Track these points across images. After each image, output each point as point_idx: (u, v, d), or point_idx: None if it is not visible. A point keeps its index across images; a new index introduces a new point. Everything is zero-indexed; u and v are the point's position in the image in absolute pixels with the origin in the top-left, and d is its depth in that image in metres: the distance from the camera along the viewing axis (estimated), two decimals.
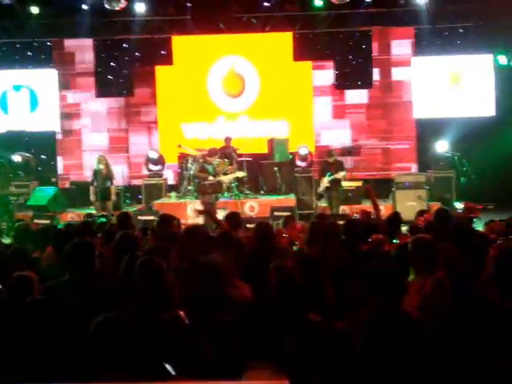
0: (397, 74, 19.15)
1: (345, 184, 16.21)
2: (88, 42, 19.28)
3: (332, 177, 15.25)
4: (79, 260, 5.76)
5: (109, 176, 15.41)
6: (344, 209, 15.58)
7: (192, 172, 16.18)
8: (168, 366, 4.08)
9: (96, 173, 15.35)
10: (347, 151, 18.19)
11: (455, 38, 18.45)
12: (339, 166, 15.53)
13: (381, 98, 19.17)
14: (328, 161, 15.59)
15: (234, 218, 8.36)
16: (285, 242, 8.25)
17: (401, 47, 19.05)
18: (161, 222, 8.32)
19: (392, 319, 4.60)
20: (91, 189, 15.34)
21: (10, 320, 4.84)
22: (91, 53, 19.38)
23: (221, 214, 14.56)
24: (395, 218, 8.60)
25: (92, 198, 15.33)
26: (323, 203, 16.09)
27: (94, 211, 15.48)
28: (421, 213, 9.72)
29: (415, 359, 4.32)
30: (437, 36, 18.36)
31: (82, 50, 19.39)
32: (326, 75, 19.21)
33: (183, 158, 17.49)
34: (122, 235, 6.81)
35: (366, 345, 4.44)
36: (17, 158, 17.55)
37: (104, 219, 14.64)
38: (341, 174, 15.45)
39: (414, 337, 4.48)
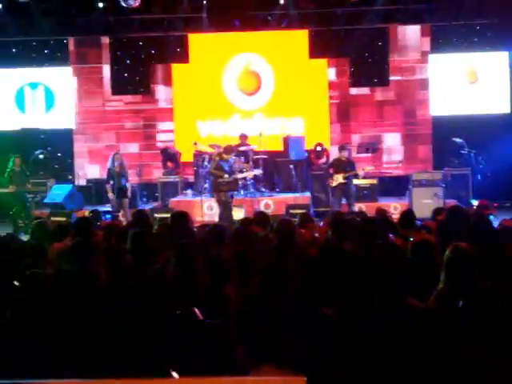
0: (413, 71, 19.08)
1: (360, 181, 16.20)
2: (104, 40, 19.33)
3: (351, 172, 15.23)
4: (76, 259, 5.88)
5: (123, 174, 15.48)
6: (360, 206, 15.56)
7: (208, 169, 16.19)
8: (174, 373, 4.09)
9: (111, 171, 15.44)
10: (364, 149, 18.12)
11: (472, 35, 18.39)
12: (352, 166, 15.48)
13: (396, 95, 19.11)
14: (340, 159, 15.55)
15: (261, 217, 8.48)
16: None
17: (417, 44, 18.98)
18: (175, 219, 8.31)
19: (401, 313, 4.60)
20: (108, 187, 15.40)
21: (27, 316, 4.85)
22: (107, 51, 19.42)
23: (237, 212, 14.62)
24: (409, 216, 8.54)
25: (110, 195, 15.38)
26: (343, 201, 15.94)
27: (110, 209, 15.58)
28: (438, 212, 9.63)
29: (426, 352, 4.32)
30: (453, 33, 18.28)
31: (98, 47, 19.44)
32: None
33: (199, 155, 17.51)
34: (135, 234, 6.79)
35: (375, 339, 4.45)
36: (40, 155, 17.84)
37: (110, 215, 14.77)
38: (363, 170, 15.53)
39: (425, 330, 4.48)
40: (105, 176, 15.97)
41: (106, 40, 19.36)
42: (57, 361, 4.44)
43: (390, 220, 9.08)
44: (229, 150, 14.85)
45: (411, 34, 19.00)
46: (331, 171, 15.54)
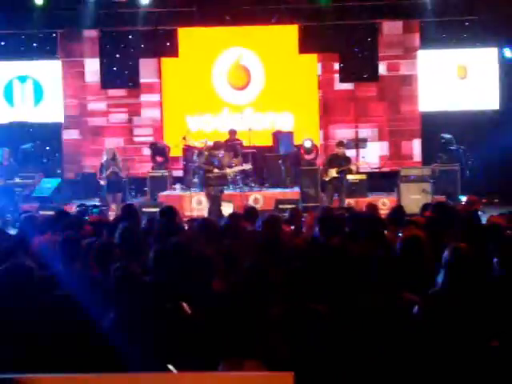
0: (402, 67, 19.09)
1: (349, 177, 16.19)
2: (93, 34, 19.26)
3: (345, 167, 15.28)
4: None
5: (116, 168, 15.56)
6: (349, 202, 15.55)
7: (197, 164, 16.19)
8: (171, 367, 4.09)
9: (104, 165, 15.50)
10: (354, 144, 18.14)
11: (461, 31, 18.40)
12: (347, 162, 15.56)
13: (386, 91, 19.12)
14: (337, 154, 15.58)
15: (251, 212, 8.48)
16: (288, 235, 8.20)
17: (406, 40, 18.98)
18: (165, 213, 8.32)
19: (391, 306, 4.60)
20: (101, 180, 15.48)
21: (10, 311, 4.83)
22: (96, 44, 19.35)
23: (226, 207, 14.60)
24: (399, 211, 8.55)
25: (105, 189, 15.48)
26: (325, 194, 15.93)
27: (98, 203, 15.56)
28: (425, 208, 9.65)
29: (416, 346, 4.33)
30: (442, 29, 18.30)
31: (87, 41, 19.38)
32: None
33: (188, 150, 17.50)
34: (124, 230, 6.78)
35: (368, 332, 4.45)
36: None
37: (96, 210, 14.75)
38: (357, 164, 15.51)
39: (416, 324, 4.49)
40: (93, 170, 15.97)
41: (94, 34, 19.28)
42: (44, 359, 4.43)
43: (379, 215, 9.09)
44: (218, 145, 14.85)
45: (400, 29, 19.00)
46: (326, 166, 15.58)
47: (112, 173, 15.41)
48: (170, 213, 8.24)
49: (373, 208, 9.44)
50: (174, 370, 4.04)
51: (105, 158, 15.68)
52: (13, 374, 3.11)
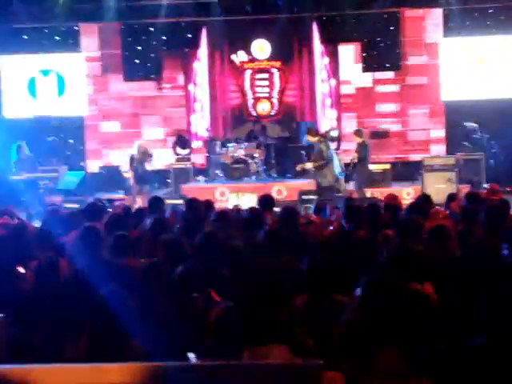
0: (425, 55, 18.94)
1: (373, 167, 15.98)
2: (115, 26, 19.26)
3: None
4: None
5: (144, 161, 15.74)
6: (373, 192, 15.37)
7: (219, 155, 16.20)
8: (191, 355, 4.08)
9: (133, 158, 15.76)
10: (375, 134, 18.05)
11: (485, 18, 18.20)
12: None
13: (408, 79, 18.99)
14: (358, 143, 15.31)
15: (266, 201, 8.33)
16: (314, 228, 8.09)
17: (430, 28, 18.82)
18: (189, 205, 8.36)
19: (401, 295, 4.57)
20: (129, 173, 15.75)
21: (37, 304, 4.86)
22: (118, 37, 19.36)
23: (249, 199, 14.59)
24: (425, 201, 8.44)
25: (131, 181, 15.65)
26: (351, 186, 15.70)
27: (121, 195, 15.68)
28: (451, 197, 9.56)
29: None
30: (466, 17, 18.11)
31: (109, 34, 19.39)
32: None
33: (211, 141, 17.57)
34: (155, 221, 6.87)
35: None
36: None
37: (108, 203, 14.81)
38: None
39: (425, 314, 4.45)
40: (115, 163, 16.17)
41: (116, 26, 19.29)
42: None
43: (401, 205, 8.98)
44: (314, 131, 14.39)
45: (423, 18, 18.84)
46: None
47: (140, 166, 15.61)
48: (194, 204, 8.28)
49: (393, 198, 9.33)
50: (194, 359, 4.04)
51: (135, 151, 15.85)
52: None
